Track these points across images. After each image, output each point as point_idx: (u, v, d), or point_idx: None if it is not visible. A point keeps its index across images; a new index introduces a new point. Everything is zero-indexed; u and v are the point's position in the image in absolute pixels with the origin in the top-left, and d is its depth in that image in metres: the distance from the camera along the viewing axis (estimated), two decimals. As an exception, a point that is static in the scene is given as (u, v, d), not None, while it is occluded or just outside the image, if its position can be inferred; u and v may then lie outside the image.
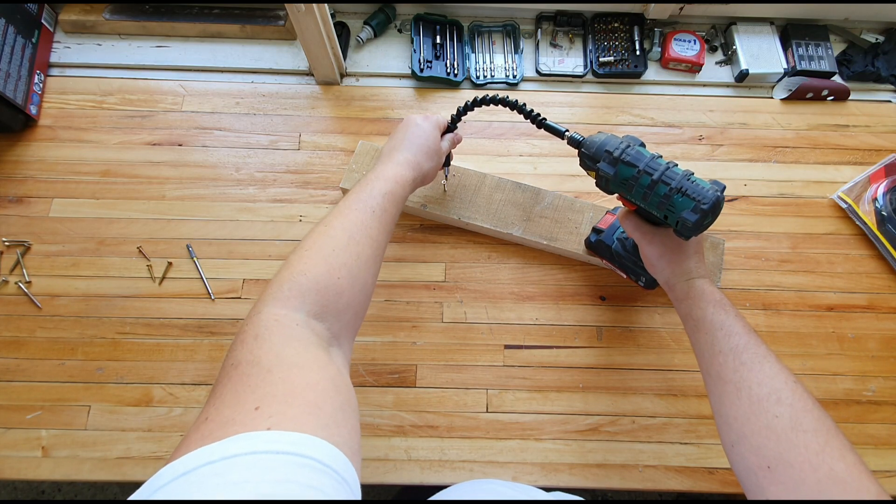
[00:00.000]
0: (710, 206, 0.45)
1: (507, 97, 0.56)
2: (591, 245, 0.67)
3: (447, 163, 0.67)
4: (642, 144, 0.50)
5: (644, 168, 0.47)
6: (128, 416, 0.64)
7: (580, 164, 0.53)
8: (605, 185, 0.51)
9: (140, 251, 0.71)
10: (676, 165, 0.48)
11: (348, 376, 0.38)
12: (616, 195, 0.53)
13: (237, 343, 0.36)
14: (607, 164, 0.49)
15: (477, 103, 0.59)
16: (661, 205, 0.47)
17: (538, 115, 0.56)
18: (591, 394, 0.66)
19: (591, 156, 0.50)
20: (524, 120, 0.78)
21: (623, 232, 0.64)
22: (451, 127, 0.64)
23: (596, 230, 0.66)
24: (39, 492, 1.28)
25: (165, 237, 0.72)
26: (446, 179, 0.71)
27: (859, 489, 0.35)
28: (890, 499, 0.35)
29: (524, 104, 0.56)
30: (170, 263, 0.70)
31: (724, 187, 0.47)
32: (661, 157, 0.48)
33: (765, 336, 0.68)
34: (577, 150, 0.53)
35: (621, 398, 0.65)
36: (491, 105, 0.58)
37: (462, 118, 0.63)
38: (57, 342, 0.67)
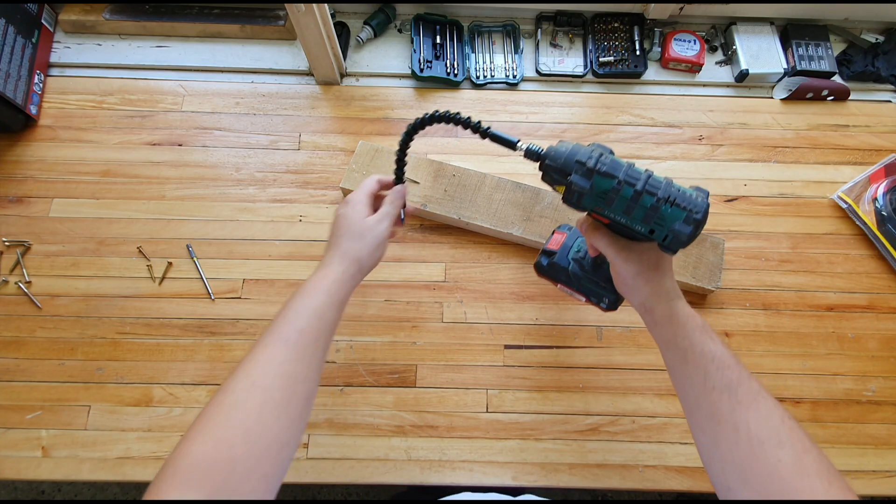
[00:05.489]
0: (702, 216, 0.41)
1: (447, 112, 0.49)
2: (543, 270, 0.61)
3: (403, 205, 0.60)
4: (611, 152, 0.45)
5: (624, 178, 0.42)
6: (128, 416, 0.64)
7: (543, 179, 0.46)
8: (577, 200, 0.44)
9: (140, 251, 0.71)
10: (653, 172, 0.44)
11: None
12: (588, 212, 0.47)
13: None
14: (581, 176, 0.43)
15: (415, 128, 0.52)
16: (647, 218, 0.43)
17: (481, 125, 0.49)
18: (591, 394, 0.66)
19: (560, 168, 0.44)
20: (524, 121, 0.79)
21: (579, 251, 0.59)
22: (397, 180, 0.58)
23: (547, 252, 0.60)
24: (39, 492, 1.28)
25: (165, 237, 0.72)
26: (403, 223, 0.62)
27: None
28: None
29: (468, 118, 0.49)
30: (170, 263, 0.70)
31: (708, 193, 0.44)
32: (634, 163, 0.44)
33: (765, 336, 0.69)
34: (537, 164, 0.46)
35: (621, 398, 0.65)
36: (438, 123, 0.52)
37: (405, 160, 0.56)
38: (57, 342, 0.67)
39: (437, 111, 0.49)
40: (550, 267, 0.60)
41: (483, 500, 0.60)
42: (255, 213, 0.73)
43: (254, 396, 0.40)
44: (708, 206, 0.42)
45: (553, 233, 0.63)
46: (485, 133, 0.48)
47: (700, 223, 0.42)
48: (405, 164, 0.56)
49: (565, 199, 0.45)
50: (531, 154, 0.46)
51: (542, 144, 0.45)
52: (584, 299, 0.59)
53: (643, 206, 0.42)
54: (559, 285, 0.61)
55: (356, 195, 0.56)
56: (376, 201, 0.58)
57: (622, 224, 0.45)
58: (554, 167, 0.44)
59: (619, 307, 0.57)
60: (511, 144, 0.47)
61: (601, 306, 0.58)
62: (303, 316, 0.47)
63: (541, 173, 0.46)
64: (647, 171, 0.43)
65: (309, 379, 0.45)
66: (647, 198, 0.42)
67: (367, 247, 0.54)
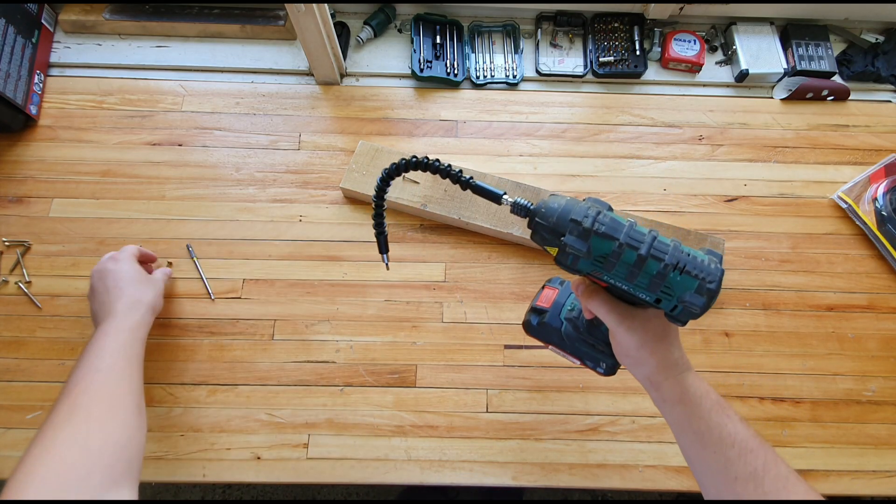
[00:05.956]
0: (717, 285, 0.37)
1: (426, 158, 0.42)
2: (532, 330, 0.55)
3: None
4: (610, 208, 0.40)
5: (626, 241, 0.37)
6: (128, 416, 0.64)
7: (532, 238, 0.41)
8: (571, 263, 0.39)
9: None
10: (658, 233, 0.39)
11: None
12: (584, 275, 0.42)
13: None
14: (577, 237, 0.38)
15: (390, 175, 0.44)
16: (653, 285, 0.38)
17: (462, 176, 0.43)
18: (591, 394, 0.66)
19: (552, 228, 0.39)
20: (524, 121, 0.79)
21: (572, 310, 0.53)
22: (377, 227, 0.50)
23: (536, 310, 0.54)
24: (39, 492, 1.28)
25: (165, 237, 0.72)
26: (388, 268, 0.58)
27: None
28: None
29: (448, 165, 0.42)
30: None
31: (722, 257, 0.40)
32: (636, 222, 0.39)
33: (765, 336, 0.68)
34: (525, 219, 0.41)
35: (621, 398, 0.65)
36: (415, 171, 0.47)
37: (384, 207, 0.49)
38: (57, 342, 0.67)
39: (414, 157, 0.42)
40: (541, 327, 0.54)
41: None
42: (255, 213, 0.73)
43: (77, 415, 0.45)
44: (723, 273, 0.38)
45: (543, 287, 0.57)
46: (466, 184, 0.42)
47: (714, 293, 0.37)
48: (384, 210, 0.49)
49: (559, 262, 0.40)
50: (519, 209, 0.41)
51: (532, 198, 0.41)
52: (578, 362, 0.54)
53: (648, 272, 0.38)
54: (550, 347, 0.55)
55: (124, 255, 0.62)
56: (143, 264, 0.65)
57: (624, 290, 0.41)
58: (545, 226, 0.39)
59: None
60: (496, 198, 0.42)
61: (598, 371, 0.53)
62: (106, 351, 0.51)
63: (530, 231, 0.41)
64: (651, 231, 0.39)
65: (133, 393, 0.49)
66: (652, 263, 0.37)
67: (155, 294, 0.61)
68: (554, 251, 0.40)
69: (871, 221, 0.73)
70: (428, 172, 0.42)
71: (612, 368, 0.52)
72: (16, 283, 0.69)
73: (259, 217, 0.73)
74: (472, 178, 0.42)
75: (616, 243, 0.38)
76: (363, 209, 0.74)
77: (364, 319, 0.68)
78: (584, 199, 0.40)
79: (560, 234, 0.39)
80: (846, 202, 0.74)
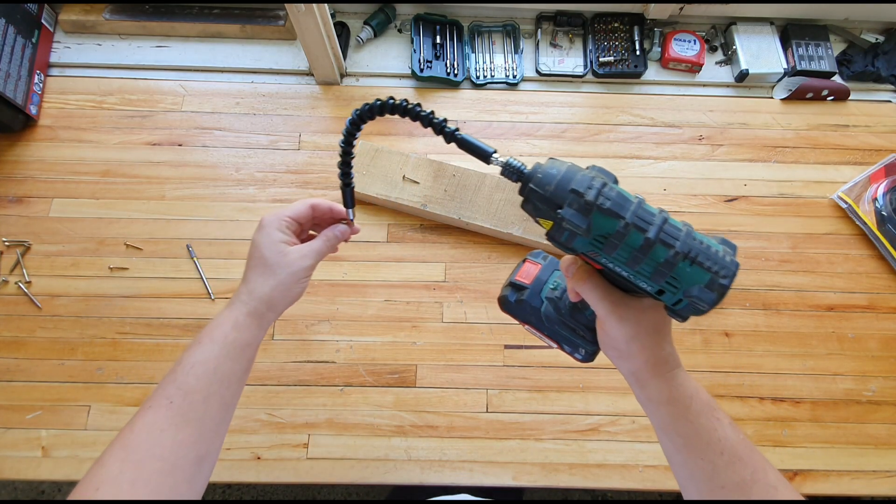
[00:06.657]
0: (730, 281, 0.33)
1: (404, 102, 0.36)
2: (509, 307, 0.48)
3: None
4: (615, 181, 0.34)
5: (633, 221, 0.32)
6: (128, 416, 0.63)
7: (523, 206, 0.35)
8: (566, 240, 0.33)
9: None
10: (669, 215, 0.33)
11: None
12: (578, 254, 0.35)
13: None
14: (576, 211, 0.32)
15: (361, 118, 0.38)
16: (657, 274, 0.33)
17: (447, 126, 0.36)
18: (591, 394, 0.66)
19: (548, 197, 0.33)
20: (524, 121, 0.79)
21: (555, 289, 0.47)
22: (343, 180, 0.44)
23: (515, 286, 0.48)
24: (39, 492, 1.28)
25: (165, 237, 0.72)
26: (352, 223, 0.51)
27: None
28: None
29: (430, 113, 0.36)
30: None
31: (737, 248, 0.35)
32: (644, 199, 0.33)
33: (765, 336, 0.68)
34: (518, 184, 0.35)
35: (621, 398, 0.65)
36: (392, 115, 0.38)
37: (352, 156, 0.42)
38: (57, 342, 0.67)
39: (391, 98, 0.36)
40: (519, 305, 0.48)
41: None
42: (255, 213, 0.73)
43: (126, 473, 0.36)
44: (738, 267, 0.33)
45: (524, 261, 0.50)
46: (451, 136, 0.36)
47: (726, 290, 0.33)
48: (352, 159, 0.42)
49: (551, 237, 0.34)
50: (511, 171, 0.34)
51: (526, 162, 0.34)
52: (555, 345, 0.48)
53: (654, 259, 0.32)
54: (526, 326, 0.49)
55: (273, 218, 0.47)
56: (315, 227, 0.50)
57: (622, 276, 0.35)
58: (540, 195, 0.33)
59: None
60: (485, 156, 0.35)
61: (576, 357, 0.47)
62: (192, 372, 0.41)
63: (521, 199, 0.35)
64: (662, 211, 0.33)
65: (200, 442, 0.40)
66: (660, 250, 0.32)
67: (279, 284, 0.45)
68: (547, 225, 0.34)
69: (871, 221, 0.73)
70: (408, 118, 0.36)
71: (591, 355, 0.47)
72: (16, 283, 0.69)
73: (259, 217, 0.73)
74: (457, 129, 0.36)
75: (622, 222, 0.32)
76: (363, 209, 0.74)
77: (364, 319, 0.68)
78: (587, 168, 0.34)
79: (557, 205, 0.33)
80: (846, 202, 0.74)
